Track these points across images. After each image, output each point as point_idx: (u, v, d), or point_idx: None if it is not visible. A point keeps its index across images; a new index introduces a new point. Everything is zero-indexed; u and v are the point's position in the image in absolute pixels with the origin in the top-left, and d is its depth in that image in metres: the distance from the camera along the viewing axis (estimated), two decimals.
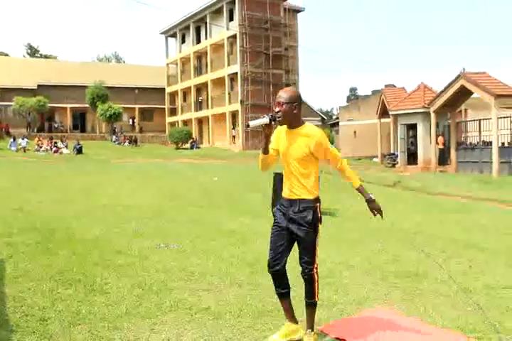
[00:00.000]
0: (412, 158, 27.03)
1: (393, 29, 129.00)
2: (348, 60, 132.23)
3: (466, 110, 31.74)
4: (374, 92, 37.42)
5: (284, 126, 3.66)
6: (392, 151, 30.42)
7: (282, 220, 3.72)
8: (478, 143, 23.53)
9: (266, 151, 3.66)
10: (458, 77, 23.01)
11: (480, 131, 23.49)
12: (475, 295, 4.89)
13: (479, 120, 23.76)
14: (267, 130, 3.56)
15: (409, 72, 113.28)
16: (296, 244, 3.78)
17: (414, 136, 27.44)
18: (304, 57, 79.99)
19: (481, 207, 12.64)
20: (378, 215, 3.88)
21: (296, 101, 3.58)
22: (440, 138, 25.51)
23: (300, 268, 3.77)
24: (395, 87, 34.70)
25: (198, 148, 42.40)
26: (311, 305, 3.75)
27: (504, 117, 21.99)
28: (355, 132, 38.78)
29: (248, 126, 3.60)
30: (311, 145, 3.57)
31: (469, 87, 22.53)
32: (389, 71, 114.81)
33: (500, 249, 7.31)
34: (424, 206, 12.66)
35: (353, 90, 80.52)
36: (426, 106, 25.27)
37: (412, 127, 27.36)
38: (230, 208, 10.67)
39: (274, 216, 3.81)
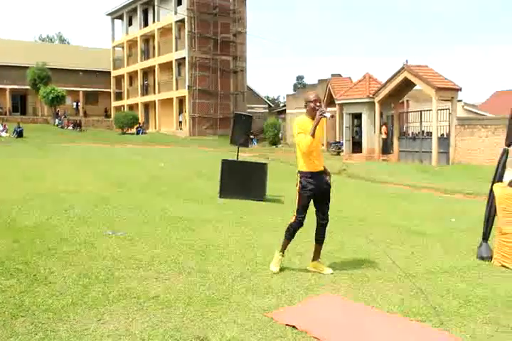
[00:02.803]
0: (356, 146, 27.61)
1: (340, 19, 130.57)
2: (295, 48, 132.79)
3: (408, 101, 32.63)
4: (320, 81, 37.80)
5: (305, 118, 4.99)
6: (337, 140, 30.97)
7: (313, 187, 5.00)
8: (419, 133, 24.31)
9: (314, 136, 4.86)
10: (401, 69, 23.59)
11: (421, 122, 24.26)
12: (418, 280, 5.08)
13: (420, 111, 24.52)
14: (321, 121, 4.93)
15: (355, 62, 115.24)
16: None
17: (359, 125, 28.01)
18: (252, 43, 79.71)
19: (420, 195, 13.10)
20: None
21: None
22: (384, 128, 26.17)
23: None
24: (341, 76, 35.21)
25: (145, 133, 41.70)
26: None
27: (443, 109, 22.79)
28: None
29: (332, 116, 5.03)
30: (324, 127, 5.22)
31: (412, 79, 23.17)
32: (336, 60, 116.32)
33: (438, 234, 7.61)
34: (369, 193, 12.98)
35: (299, 78, 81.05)
36: (371, 96, 25.80)
37: (357, 116, 27.90)
38: (177, 194, 10.56)
39: (306, 186, 4.98)
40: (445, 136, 22.98)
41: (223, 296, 4.29)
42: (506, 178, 7.75)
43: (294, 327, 3.72)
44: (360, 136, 27.53)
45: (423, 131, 24.27)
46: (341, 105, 28.55)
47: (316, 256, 5.30)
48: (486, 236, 6.18)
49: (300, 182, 5.01)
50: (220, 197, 10.13)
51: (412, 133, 25.31)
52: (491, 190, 6.23)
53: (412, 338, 3.70)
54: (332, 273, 5.13)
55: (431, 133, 23.06)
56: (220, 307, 4.03)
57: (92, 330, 3.48)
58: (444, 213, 9.75)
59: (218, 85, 42.18)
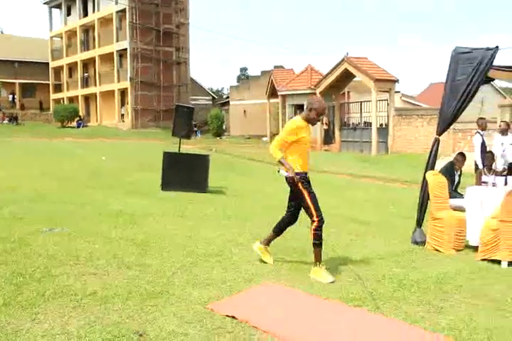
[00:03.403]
0: None
1: (283, 10, 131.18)
2: (239, 40, 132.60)
3: (349, 92, 33.30)
4: (263, 73, 37.98)
5: (301, 120, 4.95)
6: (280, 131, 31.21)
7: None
8: (359, 123, 24.90)
9: (280, 161, 4.93)
10: (342, 61, 24.05)
11: (361, 113, 24.87)
12: (356, 267, 5.23)
13: (361, 102, 25.11)
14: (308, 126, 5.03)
15: (297, 54, 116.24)
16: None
17: None
18: (196, 35, 78.84)
19: (361, 184, 13.45)
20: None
21: None
22: (325, 119, 26.63)
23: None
24: (283, 68, 35.49)
25: (86, 126, 40.60)
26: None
27: (382, 100, 23.44)
28: (245, 111, 39.25)
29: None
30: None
31: (352, 70, 23.67)
32: (278, 52, 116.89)
33: (376, 221, 7.85)
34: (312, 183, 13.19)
35: (243, 70, 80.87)
36: (312, 87, 26.17)
37: (300, 107, 28.21)
38: (118, 188, 10.36)
39: (306, 186, 4.90)
40: (384, 126, 23.64)
41: (163, 289, 4.26)
42: (438, 166, 8.08)
43: (233, 317, 3.75)
44: None
45: (364, 122, 24.88)
46: (284, 96, 28.82)
47: (266, 241, 5.33)
48: (419, 222, 6.44)
49: (301, 182, 4.87)
50: (162, 189, 10.02)
51: (353, 123, 25.91)
52: (424, 178, 6.47)
53: (347, 322, 3.81)
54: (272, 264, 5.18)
55: (371, 123, 23.67)
56: (160, 301, 4.00)
57: (26, 331, 3.35)
58: (383, 201, 10.07)
59: (161, 77, 41.51)
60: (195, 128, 38.20)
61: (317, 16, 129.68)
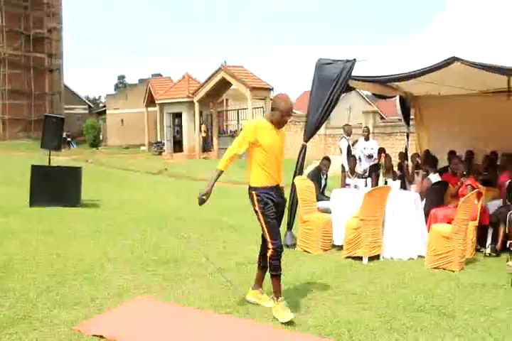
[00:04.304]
0: (178, 145, 27.87)
1: (158, 18, 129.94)
2: (116, 47, 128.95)
3: (227, 100, 33.85)
4: (141, 81, 37.36)
5: (265, 121, 4.19)
6: (159, 139, 30.89)
7: (274, 205, 4.16)
8: (237, 130, 25.41)
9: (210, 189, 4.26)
10: (219, 70, 24.41)
11: (238, 120, 25.40)
12: (228, 274, 5.31)
13: (237, 110, 25.65)
14: (282, 133, 4.33)
15: (175, 62, 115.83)
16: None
17: (180, 125, 28.30)
18: (70, 41, 75.31)
19: (239, 190, 13.65)
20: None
21: None
22: (203, 127, 26.83)
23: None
24: (161, 76, 35.17)
25: None
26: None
27: (258, 108, 24.13)
28: (122, 121, 38.25)
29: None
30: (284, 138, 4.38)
31: (228, 79, 24.11)
32: (156, 60, 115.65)
33: (251, 227, 8.00)
34: (189, 192, 13.16)
35: (121, 78, 78.90)
36: (190, 95, 26.22)
37: (178, 116, 28.15)
38: None
39: (267, 203, 4.13)
40: None
41: (26, 314, 4.00)
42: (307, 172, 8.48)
43: (101, 336, 3.63)
44: (181, 135, 27.83)
45: (241, 129, 25.42)
46: (162, 105, 28.54)
47: (258, 284, 4.47)
48: (289, 225, 6.71)
49: (258, 200, 4.13)
50: (30, 205, 9.41)
51: (231, 131, 26.37)
52: (293, 183, 6.76)
53: (217, 330, 3.86)
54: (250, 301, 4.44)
55: None
56: (21, 327, 3.75)
57: None
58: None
59: (32, 84, 38.99)
60: (69, 139, 36.47)
61: (195, 24, 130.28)
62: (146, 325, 3.92)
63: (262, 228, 4.17)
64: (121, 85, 69.69)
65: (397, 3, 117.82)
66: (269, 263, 4.13)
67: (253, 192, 4.16)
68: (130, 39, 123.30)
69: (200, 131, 26.47)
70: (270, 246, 4.10)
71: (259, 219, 4.18)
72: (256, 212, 4.18)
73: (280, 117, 4.11)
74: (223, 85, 25.40)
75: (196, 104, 25.92)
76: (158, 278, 5.10)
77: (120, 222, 8.18)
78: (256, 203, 4.14)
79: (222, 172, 4.20)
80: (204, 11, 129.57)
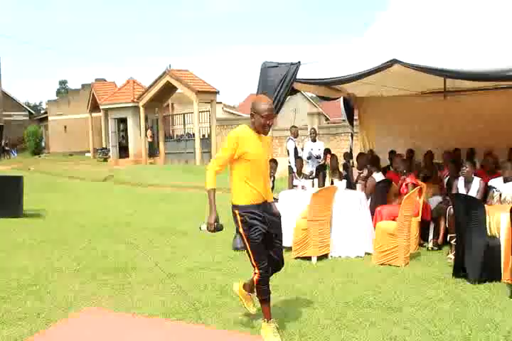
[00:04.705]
0: (123, 151, 27.40)
1: (102, 22, 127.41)
2: (57, 52, 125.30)
3: (173, 104, 33.54)
4: (84, 86, 36.40)
5: (247, 129, 3.72)
6: (104, 145, 30.26)
7: (262, 225, 3.68)
8: (183, 135, 25.24)
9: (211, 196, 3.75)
10: (164, 74, 24.19)
11: (184, 124, 25.24)
12: (179, 279, 5.27)
13: (184, 114, 25.46)
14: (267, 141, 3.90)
15: (119, 67, 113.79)
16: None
17: (125, 130, 27.83)
18: (6, 46, 72.38)
19: (185, 195, 13.60)
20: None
21: None
22: (149, 132, 26.49)
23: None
24: (105, 81, 34.45)
25: None
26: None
27: (204, 111, 24.05)
28: (65, 127, 37.22)
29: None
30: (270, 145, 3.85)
31: (174, 83, 23.91)
32: (99, 65, 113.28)
33: (197, 232, 7.86)
34: (135, 198, 12.99)
35: (63, 83, 76.62)
36: (135, 100, 25.84)
37: (123, 121, 27.66)
38: None
39: (252, 225, 3.64)
40: (207, 136, 24.27)
41: None
42: None
43: None
44: (127, 141, 27.39)
45: (187, 133, 25.26)
46: (106, 110, 27.98)
47: (249, 287, 4.04)
48: (238, 229, 6.70)
49: (241, 220, 3.67)
50: None
51: (177, 135, 26.16)
52: None
53: (167, 337, 3.82)
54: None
55: (194, 134, 24.12)
56: None
57: None
58: (207, 210, 10.28)
59: None
60: (7, 148, 35.16)
61: (139, 29, 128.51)
62: (95, 337, 3.83)
63: (247, 251, 3.74)
64: (64, 91, 67.79)
65: (342, 4, 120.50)
66: (256, 288, 3.79)
67: (236, 212, 3.70)
68: (71, 43, 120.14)
69: (146, 136, 26.12)
70: (256, 271, 3.71)
71: (243, 242, 3.77)
72: (240, 234, 3.78)
73: (261, 120, 3.62)
74: (169, 89, 25.17)
75: (141, 109, 25.57)
76: (108, 287, 5.00)
77: (66, 232, 7.96)
78: (240, 224, 3.69)
79: (215, 189, 3.71)
80: (147, 14, 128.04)
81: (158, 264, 5.77)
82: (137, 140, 26.21)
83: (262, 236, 3.67)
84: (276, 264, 3.89)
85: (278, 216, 3.87)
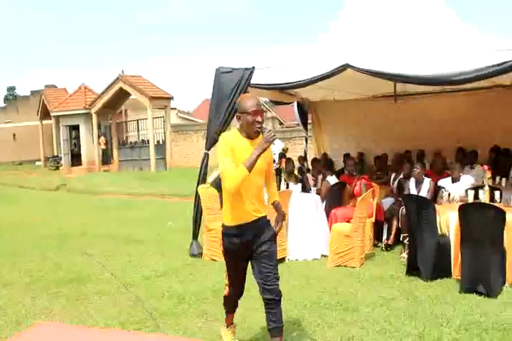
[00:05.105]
0: (76, 159, 26.78)
1: (50, 28, 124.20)
2: (4, 57, 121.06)
3: (126, 110, 33.04)
4: (34, 93, 35.37)
5: (237, 135, 3.20)
6: (55, 153, 29.48)
7: (240, 248, 3.27)
8: (137, 142, 24.91)
9: (251, 169, 3.03)
10: (116, 80, 23.83)
11: (138, 131, 24.93)
12: (135, 288, 5.18)
13: (137, 120, 25.14)
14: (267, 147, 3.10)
15: (70, 73, 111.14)
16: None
17: (78, 137, 27.22)
18: None
19: (141, 202, 13.41)
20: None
21: None
22: (102, 139, 25.99)
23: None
24: (56, 87, 33.60)
25: None
26: None
27: (158, 117, 23.83)
28: (14, 135, 36.06)
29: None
30: (269, 154, 3.34)
31: (127, 88, 23.59)
32: (49, 71, 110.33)
33: (155, 239, 7.90)
34: (90, 206, 12.71)
35: (11, 90, 74.21)
36: (87, 107, 25.33)
37: (75, 128, 27.04)
38: None
39: (228, 250, 3.31)
40: (161, 142, 24.04)
41: None
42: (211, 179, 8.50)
43: None
44: (80, 149, 26.79)
45: (141, 140, 24.94)
46: (57, 117, 27.29)
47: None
48: (195, 235, 6.68)
49: (222, 240, 3.32)
50: None
51: (131, 142, 25.79)
52: (196, 191, 6.74)
53: None
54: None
55: (148, 140, 23.85)
56: None
57: None
58: (163, 217, 10.20)
59: None
60: None
61: (92, 34, 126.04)
62: None
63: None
64: (12, 97, 65.70)
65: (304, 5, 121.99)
66: (223, 299, 3.65)
67: (221, 229, 3.34)
68: (19, 48, 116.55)
69: (99, 143, 25.63)
70: (226, 287, 3.56)
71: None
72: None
73: (248, 117, 3.11)
74: (122, 95, 24.81)
75: (94, 116, 25.08)
76: (61, 299, 4.87)
77: (16, 243, 7.70)
78: (220, 242, 3.39)
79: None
80: (99, 20, 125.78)
81: (114, 273, 5.67)
82: (90, 147, 25.68)
83: (237, 264, 3.35)
84: (266, 290, 3.25)
85: (269, 238, 3.27)
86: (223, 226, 3.29)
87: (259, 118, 3.13)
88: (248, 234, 3.21)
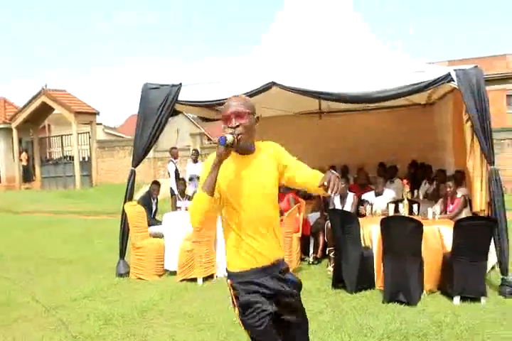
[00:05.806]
0: None
1: None
2: None
3: (49, 125, 31.88)
4: None
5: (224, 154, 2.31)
6: None
7: (267, 304, 2.34)
8: (61, 158, 24.06)
9: (213, 190, 2.26)
10: (39, 93, 23.01)
11: (62, 146, 24.10)
12: (60, 311, 4.99)
13: (61, 136, 24.31)
14: (225, 155, 2.29)
15: None
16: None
17: None
18: None
19: (66, 220, 12.92)
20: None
21: (255, 112, 2.50)
22: (24, 155, 24.89)
23: None
24: None
25: None
26: None
27: (83, 133, 23.17)
28: None
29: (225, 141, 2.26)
30: (275, 165, 2.53)
31: (50, 103, 22.82)
32: None
33: (81, 258, 7.63)
34: (9, 226, 12.08)
35: None
36: (7, 121, 24.25)
37: None
38: None
39: (249, 304, 2.33)
40: (87, 159, 23.37)
41: None
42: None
43: None
44: None
45: (66, 156, 24.12)
46: None
47: None
48: (122, 254, 6.53)
49: (235, 296, 2.40)
50: None
51: (54, 158, 24.89)
52: (123, 209, 6.61)
53: None
54: None
55: (73, 157, 23.10)
56: None
57: None
58: (90, 236, 9.88)
59: None
60: None
61: (12, 47, 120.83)
62: None
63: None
64: None
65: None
66: None
67: (228, 282, 2.45)
68: None
69: (21, 159, 24.52)
70: None
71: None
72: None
73: (223, 126, 2.44)
74: (45, 110, 23.93)
75: (14, 131, 24.01)
76: None
77: None
78: (234, 302, 2.41)
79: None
80: (22, 32, 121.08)
81: (37, 297, 5.42)
82: (10, 164, 24.49)
83: (267, 319, 2.33)
84: None
85: (294, 286, 2.46)
86: (229, 274, 2.45)
87: (231, 122, 2.40)
88: (263, 279, 2.37)
